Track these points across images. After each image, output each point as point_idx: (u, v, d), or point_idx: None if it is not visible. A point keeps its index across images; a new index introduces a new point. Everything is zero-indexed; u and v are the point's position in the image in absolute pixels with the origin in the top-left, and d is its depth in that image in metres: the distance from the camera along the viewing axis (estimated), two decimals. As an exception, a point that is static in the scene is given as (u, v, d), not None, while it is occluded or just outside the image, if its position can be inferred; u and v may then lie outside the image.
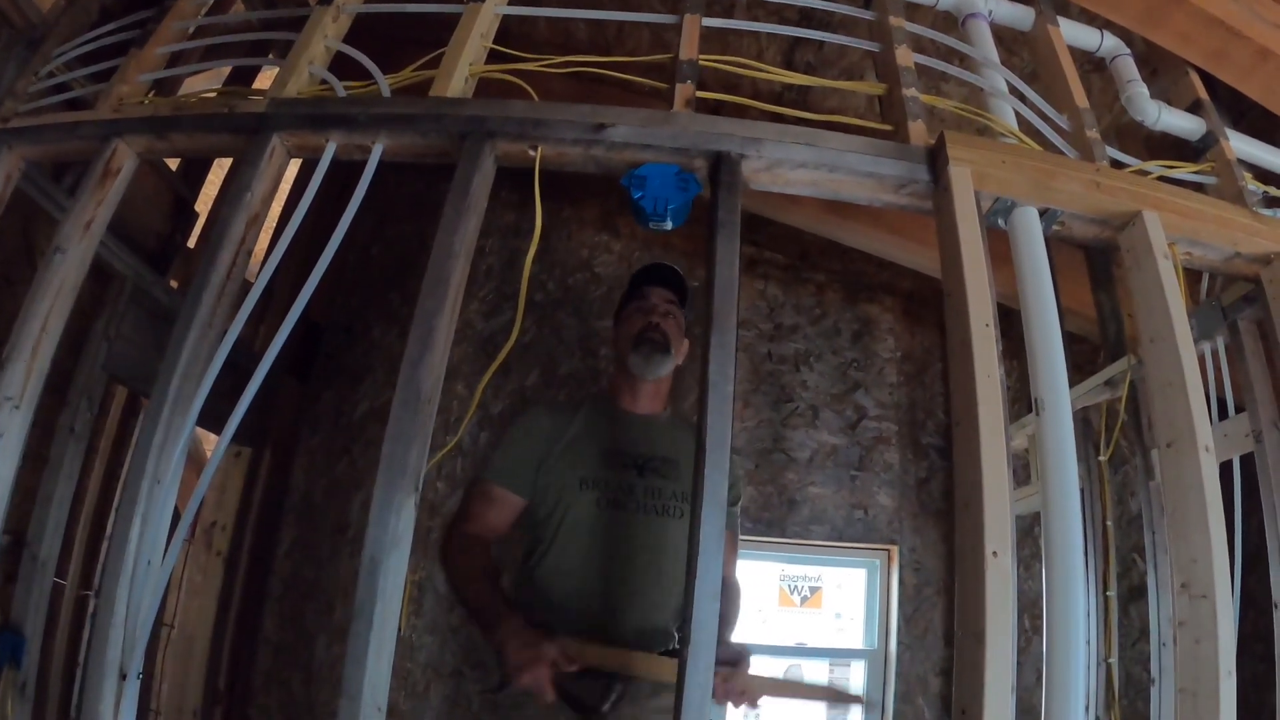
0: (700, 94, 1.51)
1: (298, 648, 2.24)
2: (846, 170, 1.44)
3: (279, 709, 2.25)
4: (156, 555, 1.35)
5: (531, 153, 1.46)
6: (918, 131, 1.48)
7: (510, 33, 1.75)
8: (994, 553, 1.23)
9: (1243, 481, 1.80)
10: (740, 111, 1.52)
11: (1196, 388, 1.43)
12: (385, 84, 1.55)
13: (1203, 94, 1.83)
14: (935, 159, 1.44)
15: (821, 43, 1.95)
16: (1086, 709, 2.03)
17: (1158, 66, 1.92)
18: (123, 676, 1.27)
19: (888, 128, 1.52)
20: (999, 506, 1.24)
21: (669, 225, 1.43)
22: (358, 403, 2.45)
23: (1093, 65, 1.95)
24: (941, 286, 1.42)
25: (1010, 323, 1.44)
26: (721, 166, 1.41)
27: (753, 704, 1.47)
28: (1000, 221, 1.50)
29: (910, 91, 1.53)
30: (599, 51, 1.72)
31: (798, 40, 2.01)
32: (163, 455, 1.38)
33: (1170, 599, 1.81)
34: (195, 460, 2.27)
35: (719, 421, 1.26)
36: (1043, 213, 1.50)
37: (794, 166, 1.43)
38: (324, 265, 1.48)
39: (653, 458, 1.66)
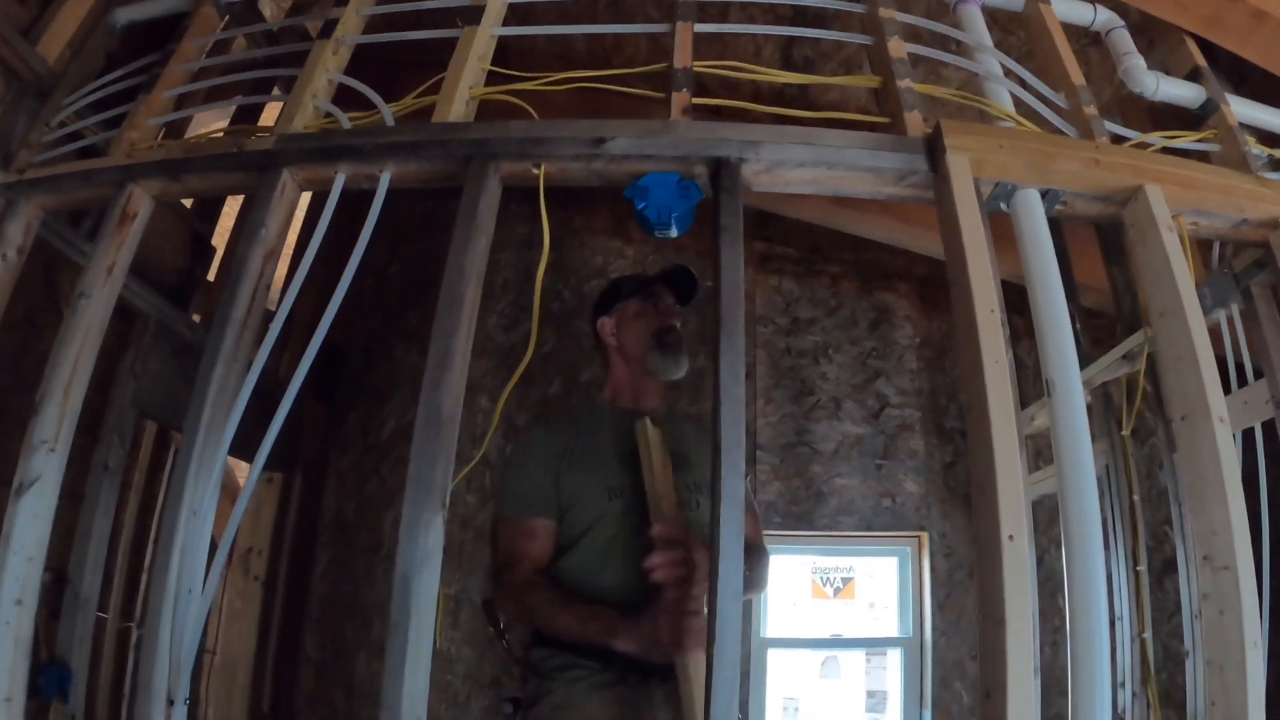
0: (697, 100, 1.53)
1: (338, 666, 2.28)
2: (846, 166, 1.45)
3: (324, 727, 2.30)
4: (197, 584, 1.38)
5: (535, 171, 1.48)
6: (914, 122, 1.49)
7: (509, 49, 1.77)
8: (1010, 537, 1.24)
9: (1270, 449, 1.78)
10: (741, 114, 1.54)
11: (1208, 360, 1.43)
12: (389, 113, 1.58)
13: (1201, 61, 1.82)
14: (933, 149, 1.45)
15: (817, 42, 1.96)
16: (1123, 684, 2.04)
17: (1154, 37, 1.92)
18: (170, 703, 1.31)
19: (885, 120, 1.53)
20: (1013, 491, 1.26)
21: (674, 233, 1.45)
22: (384, 422, 2.50)
23: (1089, 39, 1.95)
24: (935, 264, 1.43)
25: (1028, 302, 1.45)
26: (722, 171, 1.42)
27: None
28: (1003, 205, 1.51)
29: (905, 83, 1.54)
30: (598, 61, 1.74)
31: (790, 43, 2.02)
32: (198, 486, 1.42)
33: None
34: (229, 489, 2.32)
35: (733, 423, 1.27)
36: (1044, 194, 1.50)
37: (794, 166, 1.45)
38: (342, 291, 1.52)
39: (671, 452, 1.66)
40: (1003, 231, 1.42)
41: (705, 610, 1.28)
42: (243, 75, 1.85)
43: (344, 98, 1.67)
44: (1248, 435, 1.80)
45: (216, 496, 1.49)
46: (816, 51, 2.01)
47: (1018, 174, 1.47)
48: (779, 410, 2.69)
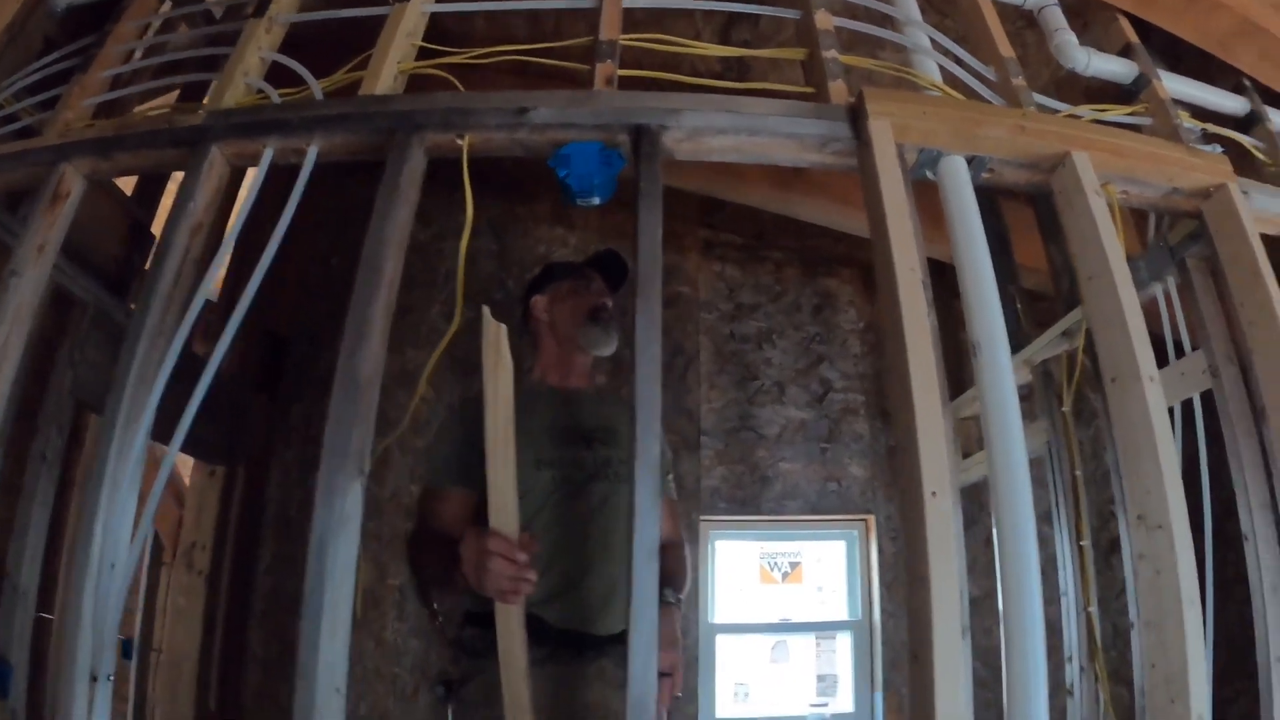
0: (624, 73, 1.54)
1: (285, 662, 2.22)
2: (768, 133, 1.46)
3: (272, 726, 2.25)
4: (120, 558, 1.37)
5: (459, 141, 1.48)
6: (838, 91, 1.49)
7: (450, 34, 1.78)
8: (933, 493, 1.23)
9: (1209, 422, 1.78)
10: (669, 86, 1.54)
11: (1136, 321, 1.43)
12: (318, 87, 1.59)
13: (1133, 38, 1.83)
14: (856, 115, 1.46)
15: (757, 20, 1.97)
16: (1070, 659, 2.01)
17: (1089, 18, 1.93)
18: (94, 679, 1.29)
19: (811, 90, 1.53)
20: (934, 447, 1.25)
21: (596, 200, 1.45)
22: (328, 414, 2.45)
23: (1026, 21, 1.96)
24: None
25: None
26: (642, 139, 1.43)
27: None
28: (929, 174, 1.51)
29: (830, 54, 1.55)
30: (555, 51, 1.73)
31: (733, 20, 2.03)
32: (120, 461, 1.40)
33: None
34: (172, 484, 2.29)
35: (648, 385, 1.27)
36: (970, 160, 1.51)
37: (715, 134, 1.45)
38: (263, 270, 1.51)
39: (596, 428, 1.67)
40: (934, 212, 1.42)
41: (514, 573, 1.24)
42: (186, 53, 1.85)
43: (282, 79, 1.67)
44: (1188, 407, 1.79)
45: (140, 471, 1.47)
46: (755, 34, 2.02)
47: (943, 140, 1.48)
48: (723, 396, 2.69)
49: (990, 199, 2.42)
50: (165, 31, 1.93)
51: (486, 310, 1.36)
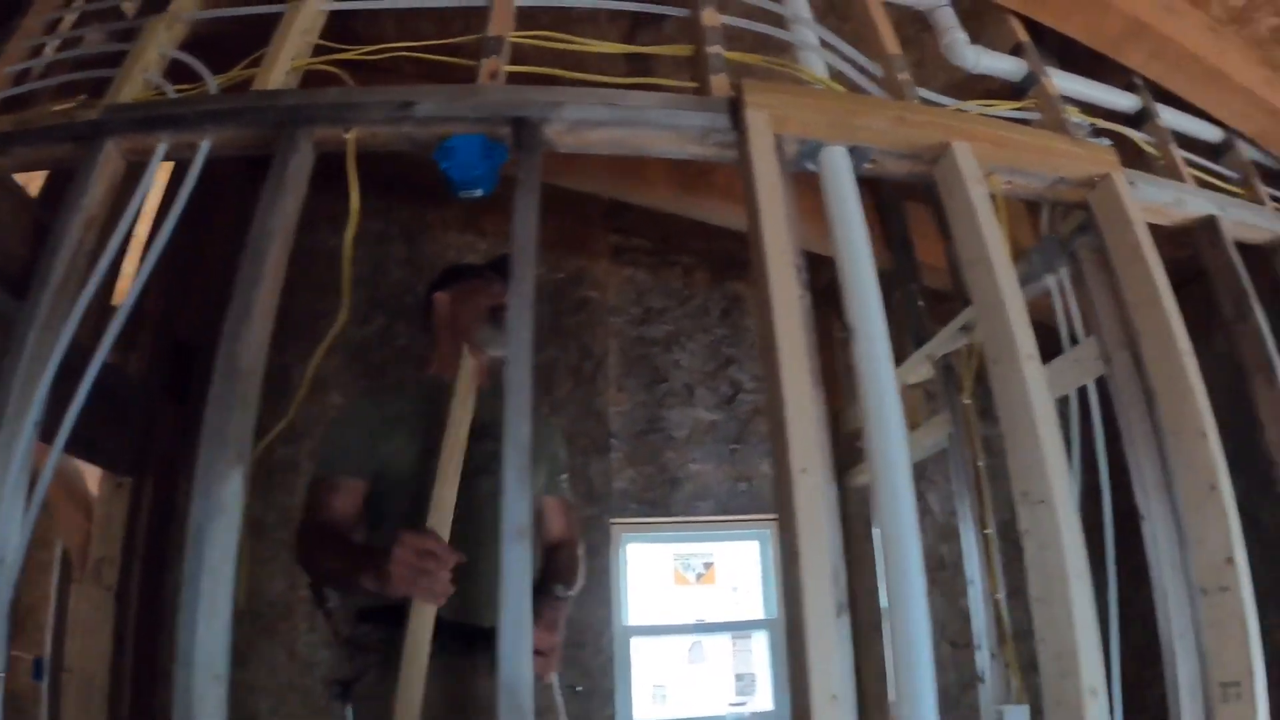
0: (513, 69, 1.56)
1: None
2: (647, 125, 1.48)
3: (190, 743, 2.19)
4: (9, 554, 1.35)
5: (346, 135, 1.49)
6: (719, 84, 1.52)
7: (359, 35, 1.80)
8: (803, 470, 1.24)
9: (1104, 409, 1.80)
10: (556, 81, 1.55)
11: (1015, 302, 1.46)
12: (213, 82, 1.60)
13: (1023, 37, 1.88)
14: (736, 107, 1.48)
15: (661, 25, 2.01)
16: (979, 646, 2.01)
17: (982, 18, 1.98)
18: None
19: (695, 85, 1.56)
20: (804, 426, 1.26)
21: (479, 192, 1.47)
22: (207, 400, 2.40)
23: (924, 25, 2.00)
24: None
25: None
26: (523, 131, 1.45)
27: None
28: (810, 165, 1.54)
29: (714, 49, 1.58)
30: (446, 48, 1.75)
31: (638, 25, 2.07)
32: (7, 455, 1.38)
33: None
34: (78, 497, 2.23)
35: (520, 369, 1.29)
36: (851, 151, 1.53)
37: (594, 126, 1.47)
38: (150, 264, 1.51)
39: (486, 424, 1.66)
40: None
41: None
42: (90, 52, 1.84)
43: (184, 78, 1.67)
44: (1084, 394, 1.82)
45: (27, 470, 1.45)
46: (659, 37, 2.04)
47: (822, 131, 1.51)
48: (632, 398, 2.71)
49: (895, 201, 2.46)
50: (80, 27, 1.92)
51: (466, 349, 1.51)
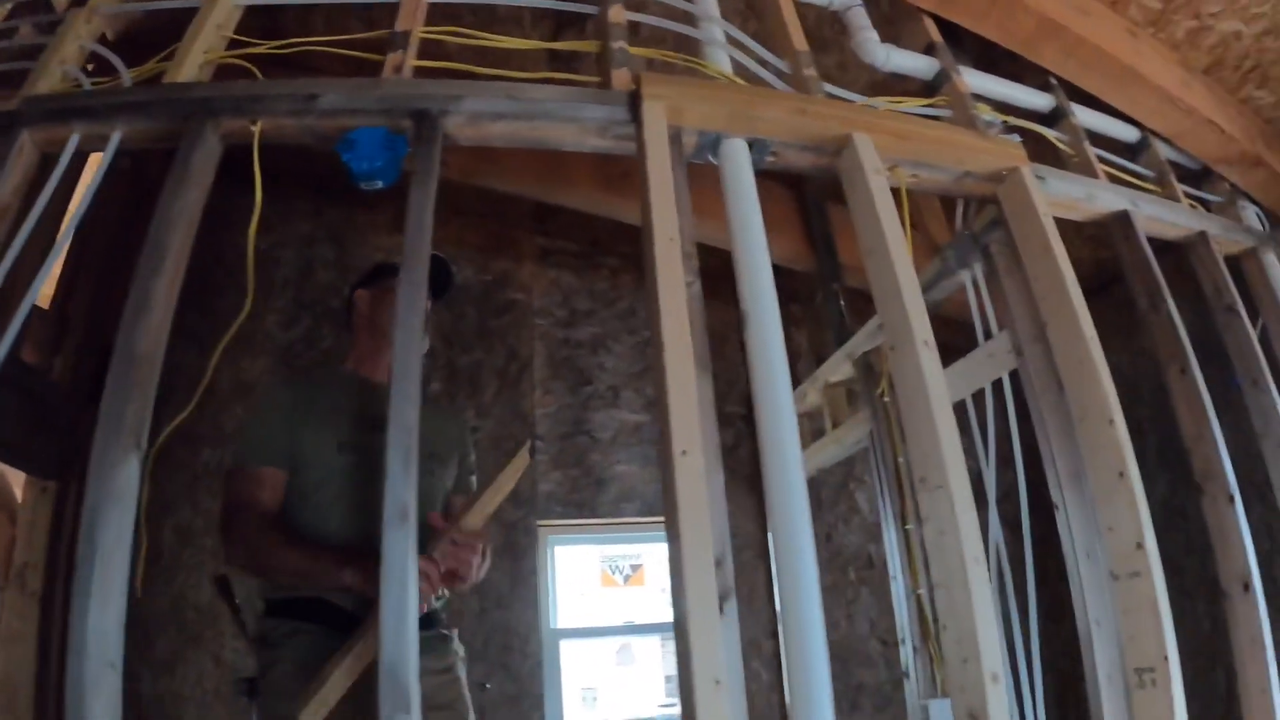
0: (421, 63, 1.58)
1: (125, 681, 2.16)
2: (547, 118, 1.50)
3: (118, 754, 2.16)
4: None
5: (252, 127, 1.51)
6: (621, 78, 1.54)
7: (286, 32, 1.81)
8: (683, 451, 1.24)
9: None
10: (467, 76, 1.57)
11: (911, 289, 1.47)
12: (127, 75, 1.61)
13: (936, 37, 1.91)
14: (636, 101, 1.50)
15: (584, 26, 2.03)
16: (904, 641, 2.00)
17: (896, 19, 2.01)
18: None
19: (599, 79, 1.58)
20: (685, 407, 1.27)
21: (379, 184, 1.48)
22: (161, 425, 2.39)
23: (842, 27, 2.03)
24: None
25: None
26: (423, 124, 1.46)
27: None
28: (710, 157, 1.55)
29: (618, 44, 1.60)
30: (372, 46, 1.77)
31: (561, 24, 2.10)
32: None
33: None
34: (6, 505, 2.21)
35: (406, 352, 1.29)
36: (752, 144, 1.55)
37: (494, 118, 1.49)
38: (57, 255, 1.51)
39: None
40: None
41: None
42: (24, 43, 1.85)
43: (103, 72, 1.69)
44: (998, 388, 1.83)
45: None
46: (582, 35, 2.08)
47: (721, 123, 1.52)
48: (557, 401, 2.72)
49: (818, 202, 2.49)
50: (12, 19, 1.93)
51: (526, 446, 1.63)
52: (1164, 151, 2.17)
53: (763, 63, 1.69)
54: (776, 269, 1.57)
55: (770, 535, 1.34)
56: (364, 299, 1.80)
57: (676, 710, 2.62)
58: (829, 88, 1.68)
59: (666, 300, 1.31)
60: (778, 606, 1.28)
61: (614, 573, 2.63)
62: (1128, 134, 2.15)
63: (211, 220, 2.51)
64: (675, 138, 1.49)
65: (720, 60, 1.66)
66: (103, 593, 1.15)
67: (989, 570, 1.90)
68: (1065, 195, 1.82)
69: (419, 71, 1.57)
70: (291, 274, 2.56)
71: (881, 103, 1.74)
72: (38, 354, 2.07)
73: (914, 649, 1.92)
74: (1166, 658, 1.51)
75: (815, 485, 2.95)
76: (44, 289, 2.09)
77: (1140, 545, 1.55)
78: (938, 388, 1.41)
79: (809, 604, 1.28)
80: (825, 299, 2.35)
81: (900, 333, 1.46)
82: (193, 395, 2.31)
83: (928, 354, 1.43)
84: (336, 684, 1.37)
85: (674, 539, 1.23)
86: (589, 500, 2.56)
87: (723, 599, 1.23)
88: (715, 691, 1.17)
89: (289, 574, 1.50)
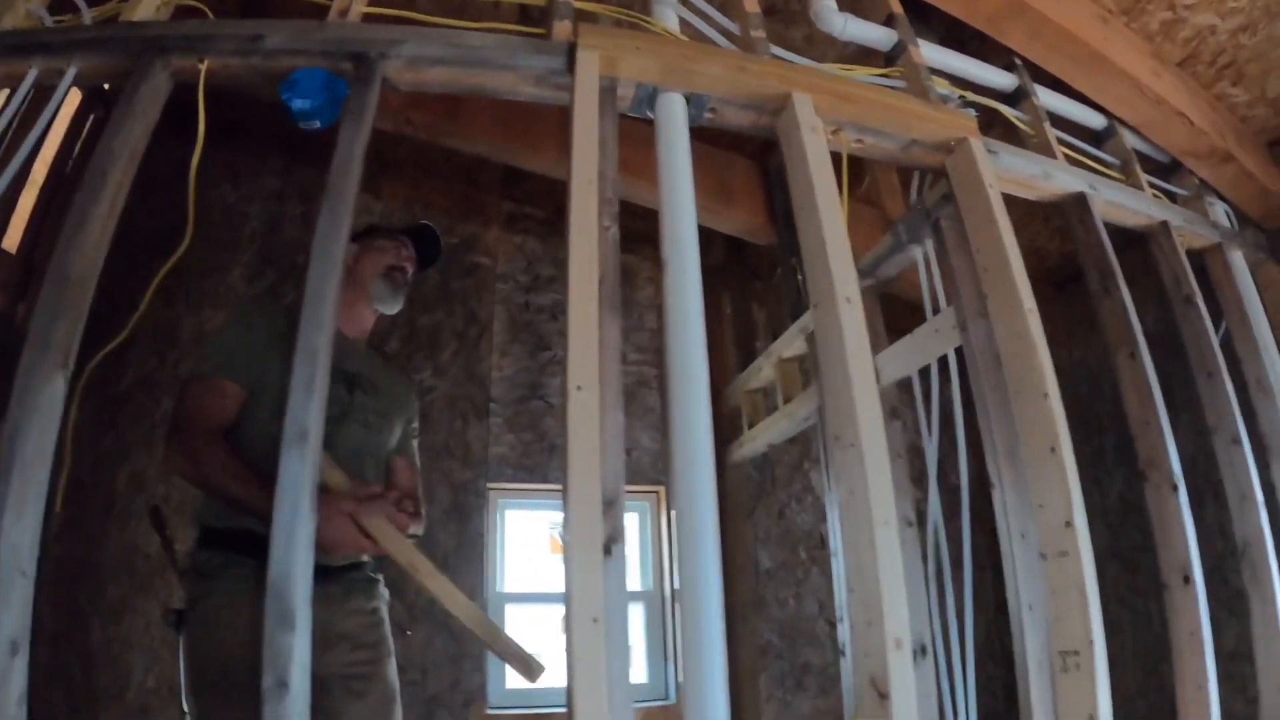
0: (371, 10, 1.61)
1: (73, 634, 2.18)
2: (487, 65, 1.52)
3: (64, 701, 2.18)
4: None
5: (200, 66, 1.54)
6: (561, 29, 1.56)
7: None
8: (578, 387, 1.26)
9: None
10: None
11: (837, 246, 1.46)
12: (87, 13, 1.66)
13: (896, 8, 1.90)
14: (573, 52, 1.51)
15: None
16: (842, 620, 1.97)
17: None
18: None
19: (542, 31, 1.59)
20: (584, 343, 1.28)
21: (318, 124, 1.51)
22: (123, 373, 2.41)
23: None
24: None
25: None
26: (362, 66, 1.49)
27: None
28: (648, 111, 1.56)
29: (563, -2, 1.61)
30: None
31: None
32: None
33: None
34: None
35: (320, 281, 1.31)
36: (690, 99, 1.56)
37: (432, 64, 1.51)
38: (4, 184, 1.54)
39: (360, 375, 1.70)
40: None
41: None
42: None
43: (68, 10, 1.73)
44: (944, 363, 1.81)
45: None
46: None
47: (657, 75, 1.53)
48: (515, 364, 2.72)
49: (780, 178, 2.47)
50: None
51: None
52: (1131, 140, 2.14)
53: (711, 22, 1.70)
54: (740, 242, 1.57)
55: (666, 480, 1.33)
56: (350, 251, 1.82)
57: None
58: (777, 50, 1.68)
59: (578, 239, 1.32)
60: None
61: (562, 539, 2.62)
62: (1094, 120, 2.12)
63: (183, 170, 2.55)
64: (610, 89, 1.50)
65: (667, 18, 1.67)
66: (19, 504, 1.18)
67: (924, 547, 1.88)
68: (1019, 172, 1.80)
69: (372, 19, 1.60)
70: (259, 228, 2.59)
71: (832, 69, 1.73)
72: (3, 298, 2.11)
73: (851, 627, 1.88)
74: (1092, 641, 1.47)
75: (769, 463, 2.94)
76: (12, 234, 2.15)
77: (1069, 523, 1.52)
78: (856, 343, 1.39)
79: (705, 557, 1.27)
80: (785, 274, 2.32)
81: (823, 287, 1.44)
82: (157, 344, 2.34)
83: (849, 310, 1.42)
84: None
85: (567, 470, 1.23)
86: (541, 465, 2.56)
87: (610, 541, 1.23)
88: (593, 629, 1.17)
89: (231, 497, 1.47)
